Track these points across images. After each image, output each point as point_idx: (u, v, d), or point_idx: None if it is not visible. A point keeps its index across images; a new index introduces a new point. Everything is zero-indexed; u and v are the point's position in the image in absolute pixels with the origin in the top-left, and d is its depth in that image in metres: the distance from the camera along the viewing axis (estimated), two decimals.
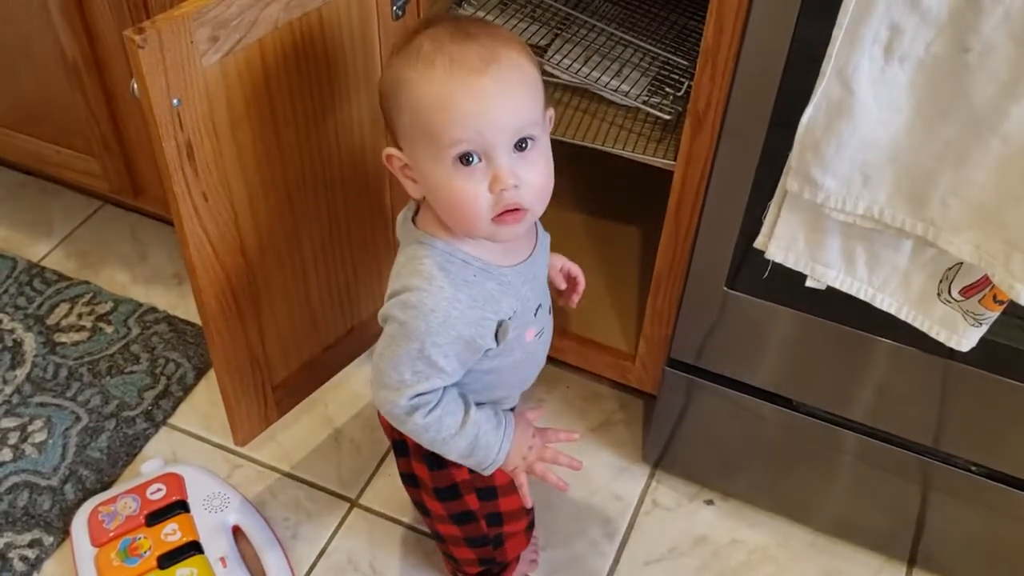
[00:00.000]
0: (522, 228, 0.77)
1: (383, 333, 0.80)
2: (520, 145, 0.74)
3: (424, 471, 0.92)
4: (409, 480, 0.96)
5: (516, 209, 0.75)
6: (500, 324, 0.80)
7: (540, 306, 0.87)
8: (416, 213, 0.83)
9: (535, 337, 0.87)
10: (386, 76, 0.78)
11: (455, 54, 0.71)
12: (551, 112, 0.81)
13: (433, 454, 0.87)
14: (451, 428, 0.81)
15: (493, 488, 0.94)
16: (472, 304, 0.78)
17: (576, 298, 1.00)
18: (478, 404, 0.85)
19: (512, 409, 0.98)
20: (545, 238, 0.90)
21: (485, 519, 0.95)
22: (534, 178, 0.75)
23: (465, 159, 0.73)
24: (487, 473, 0.86)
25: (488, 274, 0.79)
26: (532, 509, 0.99)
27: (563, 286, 1.00)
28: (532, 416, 0.92)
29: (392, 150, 0.79)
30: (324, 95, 0.97)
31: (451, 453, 0.84)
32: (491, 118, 0.71)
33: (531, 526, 1.01)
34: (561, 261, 0.99)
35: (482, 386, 0.86)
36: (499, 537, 0.98)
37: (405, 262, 0.80)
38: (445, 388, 0.81)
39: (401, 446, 0.93)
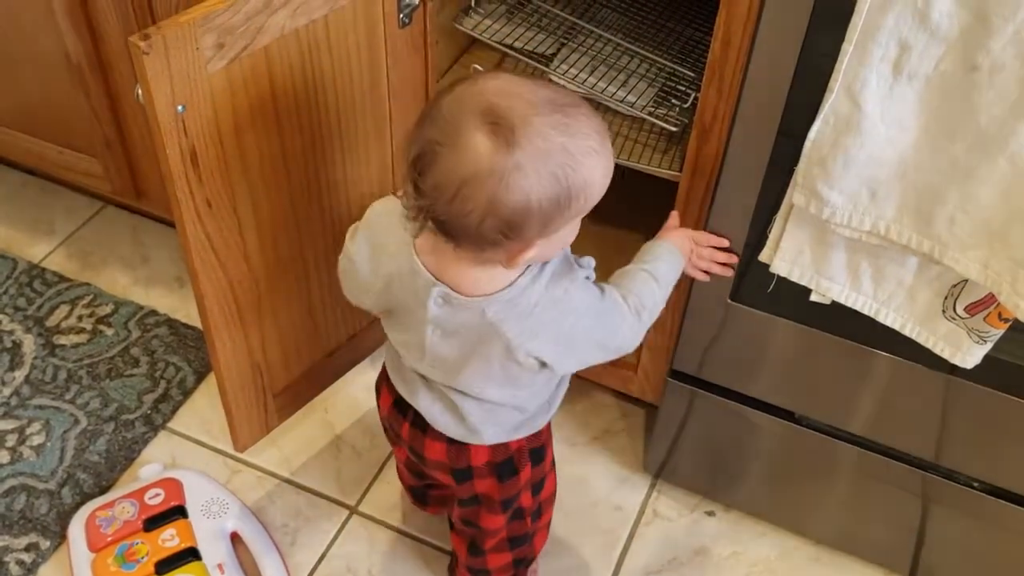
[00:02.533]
0: None
1: (586, 318, 0.82)
2: None
3: (492, 486, 0.92)
4: (470, 502, 0.95)
5: None
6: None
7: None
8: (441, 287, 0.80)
9: None
10: (561, 196, 0.71)
11: (593, 144, 0.72)
12: None
13: (506, 465, 0.91)
14: (655, 295, 0.88)
15: (545, 473, 0.97)
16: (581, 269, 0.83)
17: None
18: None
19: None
20: None
21: (531, 515, 0.98)
22: None
23: None
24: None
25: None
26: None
27: None
28: (673, 221, 0.97)
29: (531, 253, 0.74)
30: (329, 104, 0.97)
31: (663, 302, 0.90)
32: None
33: (549, 519, 1.04)
34: None
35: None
36: (534, 533, 1.00)
37: (544, 284, 0.79)
38: (607, 289, 0.85)
39: (466, 472, 0.92)
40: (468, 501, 0.95)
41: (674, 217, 0.98)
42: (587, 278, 0.83)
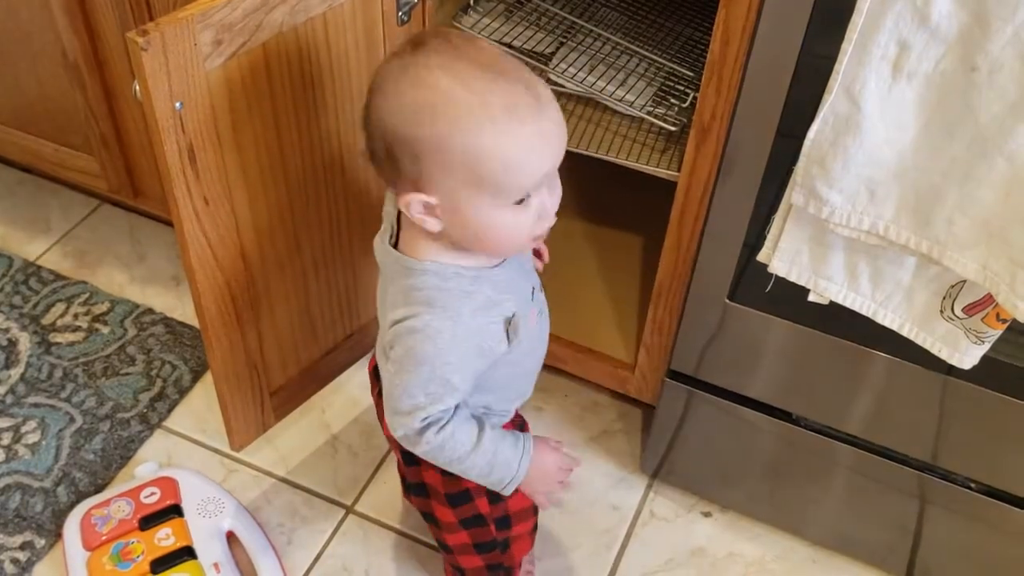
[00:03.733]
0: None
1: (390, 361, 0.79)
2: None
3: (436, 477, 0.91)
4: (418, 490, 0.95)
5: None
6: (509, 322, 0.80)
7: (533, 288, 0.87)
8: (395, 236, 0.81)
9: (537, 318, 0.87)
10: (407, 120, 0.70)
11: (512, 100, 0.68)
12: None
13: None
14: (466, 444, 0.80)
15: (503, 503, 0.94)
16: (474, 314, 0.77)
17: (539, 264, 0.96)
18: (490, 412, 0.87)
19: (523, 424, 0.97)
20: None
21: (495, 523, 0.95)
22: (558, 198, 0.77)
23: (523, 199, 0.73)
24: (508, 492, 0.84)
25: (481, 280, 0.79)
26: (537, 511, 1.00)
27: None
28: (555, 444, 0.89)
29: (415, 196, 0.73)
30: (328, 101, 0.97)
31: (470, 471, 0.83)
32: (554, 162, 0.73)
33: (535, 528, 1.02)
34: None
35: (506, 382, 0.86)
36: (506, 541, 0.98)
37: (399, 292, 0.78)
38: (456, 407, 0.80)
39: (411, 455, 0.92)
40: (418, 489, 0.94)
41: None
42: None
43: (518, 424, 0.95)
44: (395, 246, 0.80)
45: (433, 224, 0.75)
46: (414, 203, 0.74)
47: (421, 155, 0.71)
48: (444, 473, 0.89)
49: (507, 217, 0.73)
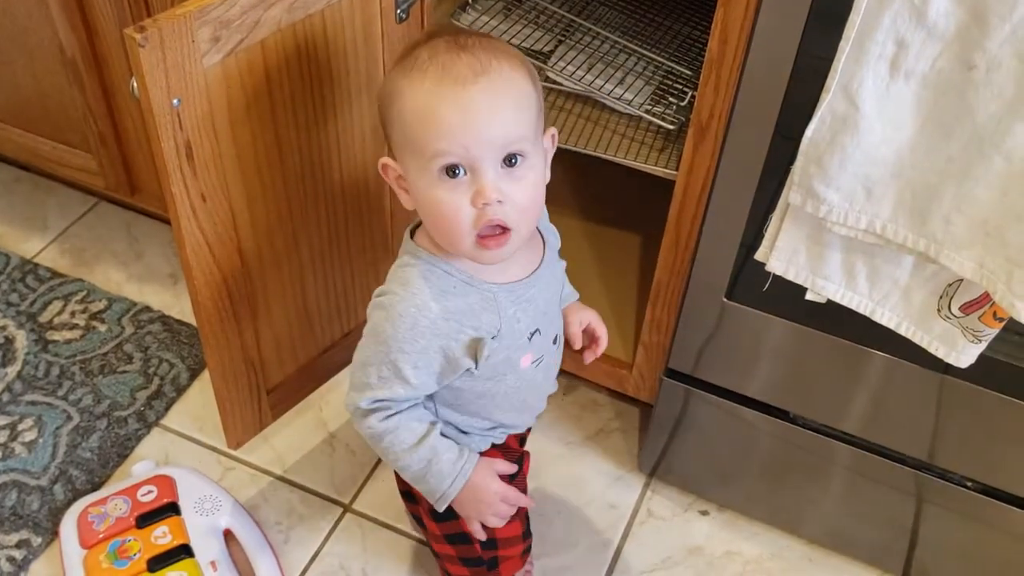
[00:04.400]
0: (507, 251, 0.75)
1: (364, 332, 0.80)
2: (509, 160, 0.72)
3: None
4: (407, 496, 0.95)
5: (500, 232, 0.73)
6: (477, 341, 0.78)
7: (537, 331, 0.83)
8: (416, 227, 0.83)
9: (532, 364, 0.84)
10: (383, 86, 0.77)
11: (447, 64, 0.70)
12: (553, 132, 0.79)
13: None
14: (405, 443, 0.80)
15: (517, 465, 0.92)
16: (446, 315, 0.77)
17: (591, 357, 0.96)
18: (466, 433, 0.86)
19: (524, 438, 0.96)
20: (553, 263, 0.87)
21: (480, 543, 0.94)
22: (520, 195, 0.73)
23: (451, 171, 0.71)
24: (439, 507, 0.83)
25: (471, 287, 0.78)
26: (530, 535, 0.98)
27: (578, 345, 0.95)
28: (503, 468, 0.87)
29: (387, 160, 0.78)
30: (326, 98, 0.96)
31: (404, 470, 0.82)
32: (477, 131, 0.70)
33: (527, 550, 1.00)
34: (588, 316, 0.95)
35: (477, 409, 0.85)
36: (494, 560, 0.97)
37: (394, 268, 0.81)
38: (414, 404, 0.80)
39: None
40: (407, 495, 0.94)
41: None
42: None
43: (516, 457, 0.92)
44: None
45: (407, 200, 0.78)
46: (389, 168, 0.77)
47: (385, 115, 0.75)
48: None
49: (438, 191, 0.72)
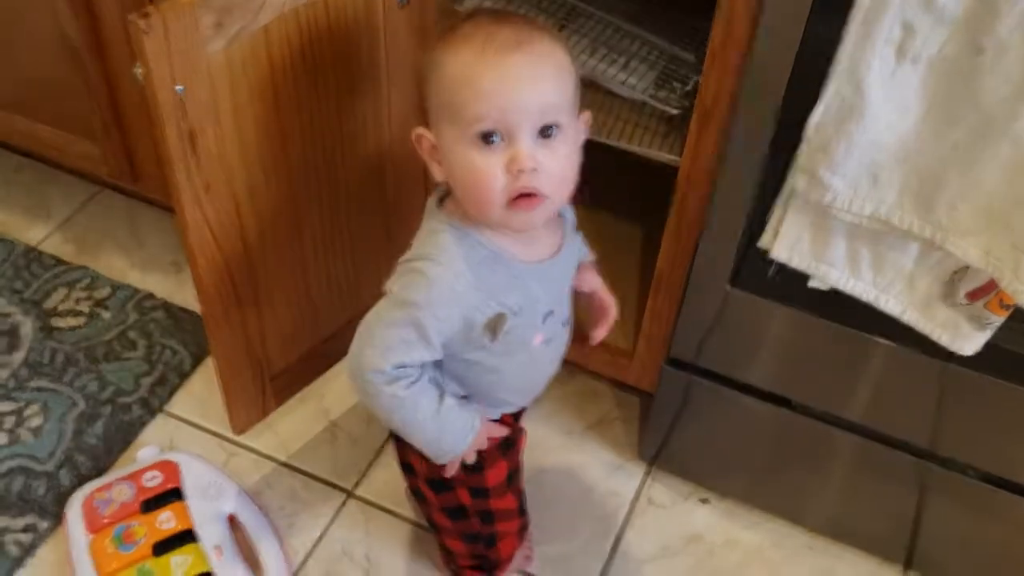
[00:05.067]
0: (538, 216, 0.76)
1: (384, 296, 0.80)
2: (545, 132, 0.73)
3: (419, 460, 0.91)
4: (406, 468, 0.96)
5: (531, 195, 0.73)
6: (499, 316, 0.79)
7: (551, 313, 0.85)
8: (443, 199, 0.82)
9: (542, 343, 0.85)
10: (425, 58, 0.77)
11: (491, 33, 0.72)
12: (587, 115, 0.80)
13: None
14: (427, 409, 0.80)
15: (485, 489, 0.93)
16: (478, 285, 0.77)
17: (601, 333, 0.96)
18: (464, 398, 0.86)
19: (518, 416, 0.97)
20: (574, 245, 0.88)
21: (477, 516, 0.95)
22: (554, 165, 0.74)
23: (487, 137, 0.72)
24: (441, 461, 0.85)
25: (499, 261, 0.79)
26: (526, 512, 0.99)
27: (590, 315, 0.96)
28: (495, 430, 0.89)
29: (422, 130, 0.78)
30: (329, 84, 0.96)
31: (417, 435, 0.82)
32: (516, 97, 0.71)
33: (524, 527, 1.00)
34: (598, 284, 0.96)
35: (485, 384, 0.86)
36: (492, 536, 0.98)
37: (422, 235, 0.80)
38: (423, 366, 0.80)
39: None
40: (405, 467, 0.95)
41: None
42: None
43: (510, 430, 0.92)
44: None
45: (438, 171, 0.78)
46: (424, 139, 0.77)
47: (425, 86, 0.76)
48: (426, 457, 0.89)
49: (474, 157, 0.73)
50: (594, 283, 0.95)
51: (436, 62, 0.74)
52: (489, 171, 0.72)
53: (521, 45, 0.71)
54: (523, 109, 0.71)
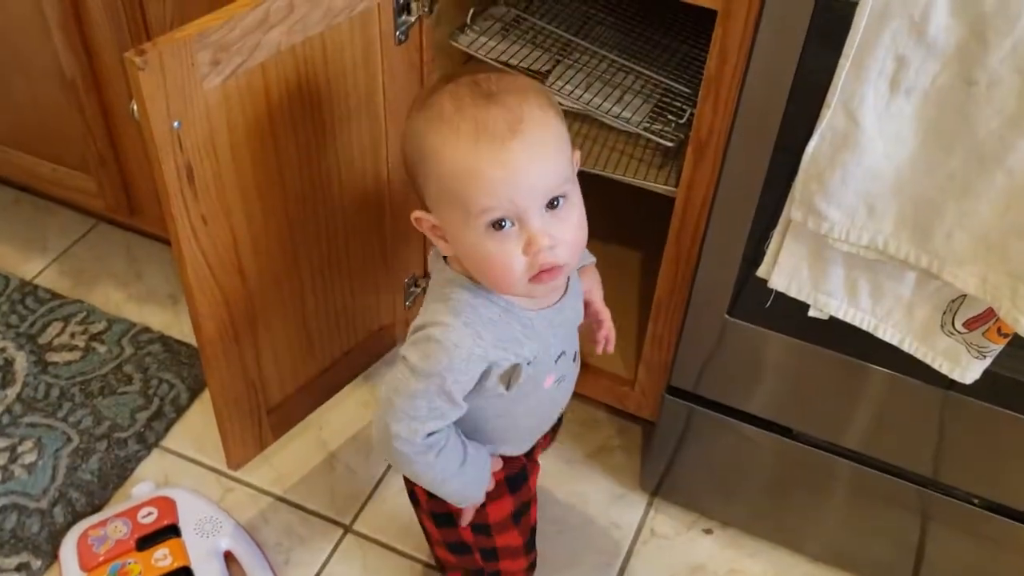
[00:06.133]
0: (560, 281, 0.77)
1: (400, 366, 0.79)
2: (552, 203, 0.73)
3: (422, 493, 0.91)
4: (412, 499, 0.95)
5: (552, 267, 0.74)
6: (515, 368, 0.79)
7: (563, 353, 0.85)
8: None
9: (554, 383, 0.86)
10: (410, 139, 0.76)
11: (480, 119, 0.70)
12: (577, 154, 0.79)
13: None
14: (454, 466, 0.82)
15: (487, 525, 0.92)
16: (496, 343, 0.77)
17: (598, 347, 0.95)
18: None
19: (532, 451, 0.95)
20: (577, 283, 0.87)
21: (480, 552, 0.94)
22: (568, 234, 0.74)
23: (498, 224, 0.72)
24: (462, 506, 0.86)
25: (512, 315, 0.78)
26: (534, 549, 0.98)
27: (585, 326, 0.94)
28: (497, 465, 0.90)
29: (421, 213, 0.77)
30: (325, 119, 0.97)
31: (444, 488, 0.83)
32: (521, 184, 0.70)
33: (532, 567, 0.99)
34: (593, 288, 0.94)
35: (496, 428, 0.86)
36: (496, 574, 0.96)
37: (433, 299, 0.80)
38: (449, 428, 0.80)
39: None
40: (411, 496, 0.95)
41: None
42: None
43: (518, 467, 0.92)
44: None
45: (445, 247, 0.77)
46: (423, 221, 0.77)
47: (417, 170, 0.75)
48: (429, 493, 0.88)
49: (488, 244, 0.72)
50: (589, 286, 0.93)
51: (427, 150, 0.73)
52: (508, 256, 0.72)
53: (515, 130, 0.69)
54: (530, 194, 0.71)
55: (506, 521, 0.92)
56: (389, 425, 0.78)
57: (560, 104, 1.10)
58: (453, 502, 0.86)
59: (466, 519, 0.90)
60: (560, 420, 1.04)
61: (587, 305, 0.92)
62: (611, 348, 0.96)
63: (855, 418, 1.01)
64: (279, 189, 0.96)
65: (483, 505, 0.89)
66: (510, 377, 0.79)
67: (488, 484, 0.87)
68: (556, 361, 0.84)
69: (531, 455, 0.95)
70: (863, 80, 0.71)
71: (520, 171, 0.70)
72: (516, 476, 0.91)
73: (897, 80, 0.71)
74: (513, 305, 0.78)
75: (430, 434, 0.78)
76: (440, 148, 0.72)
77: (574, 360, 0.89)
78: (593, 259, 0.95)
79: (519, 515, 0.93)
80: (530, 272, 0.73)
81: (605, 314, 0.95)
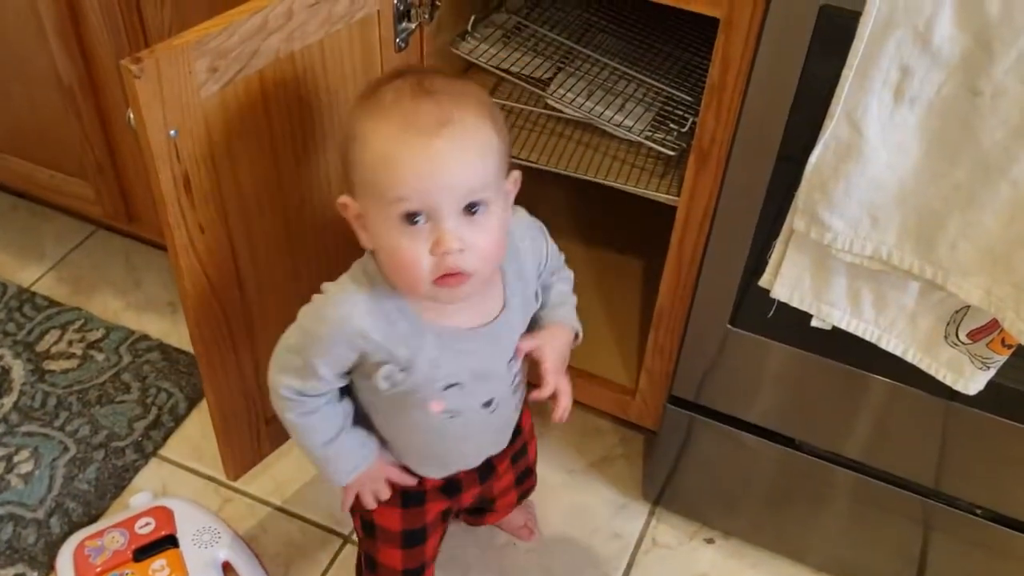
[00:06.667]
0: (465, 290, 0.74)
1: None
2: (471, 208, 0.71)
3: None
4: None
5: (457, 274, 0.72)
6: (380, 365, 0.77)
7: (458, 386, 0.81)
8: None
9: (443, 414, 0.82)
10: (348, 123, 0.76)
11: (410, 111, 0.70)
12: (517, 174, 0.78)
13: None
14: (316, 440, 0.84)
15: (372, 524, 0.93)
16: (363, 335, 0.76)
17: (558, 413, 0.86)
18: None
19: (459, 492, 0.94)
20: (517, 316, 0.82)
21: (363, 556, 0.96)
22: (482, 242, 0.72)
23: (411, 218, 0.71)
24: (330, 485, 0.89)
25: (404, 317, 0.77)
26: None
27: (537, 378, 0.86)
28: (396, 477, 0.89)
29: (346, 198, 0.77)
30: (325, 127, 0.96)
31: (308, 455, 0.86)
32: (438, 180, 0.69)
33: None
34: (540, 345, 0.85)
35: (389, 437, 0.88)
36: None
37: (346, 274, 0.81)
38: (328, 400, 0.82)
39: None
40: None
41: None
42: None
43: (422, 489, 0.92)
44: None
45: (365, 239, 0.77)
46: (349, 208, 0.77)
47: (346, 156, 0.75)
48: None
49: (398, 238, 0.72)
50: (542, 342, 0.85)
51: (357, 134, 0.73)
52: (414, 253, 0.71)
53: (443, 128, 0.69)
54: (446, 192, 0.70)
55: (392, 535, 0.93)
56: (270, 371, 0.83)
57: (561, 112, 1.10)
58: (323, 475, 0.88)
59: (344, 503, 0.91)
60: (527, 487, 1.05)
61: (535, 365, 0.86)
62: (558, 418, 0.87)
63: (857, 428, 1.00)
64: (278, 196, 0.96)
65: (366, 530, 0.93)
66: (380, 373, 0.78)
67: (351, 480, 0.87)
68: (445, 389, 0.80)
69: (457, 494, 0.94)
70: (867, 90, 0.71)
71: (438, 166, 0.69)
72: (411, 496, 0.92)
73: (901, 90, 0.70)
74: (406, 306, 0.77)
75: (298, 393, 0.81)
76: (367, 134, 0.72)
77: (487, 406, 0.84)
78: (570, 324, 0.88)
79: (409, 541, 0.93)
80: (435, 273, 0.72)
81: (561, 385, 0.86)
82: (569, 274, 0.92)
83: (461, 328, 0.80)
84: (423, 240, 0.71)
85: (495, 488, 0.99)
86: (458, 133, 0.69)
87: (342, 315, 0.77)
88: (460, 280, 0.73)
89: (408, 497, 0.92)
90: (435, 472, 0.92)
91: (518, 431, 0.96)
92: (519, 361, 0.85)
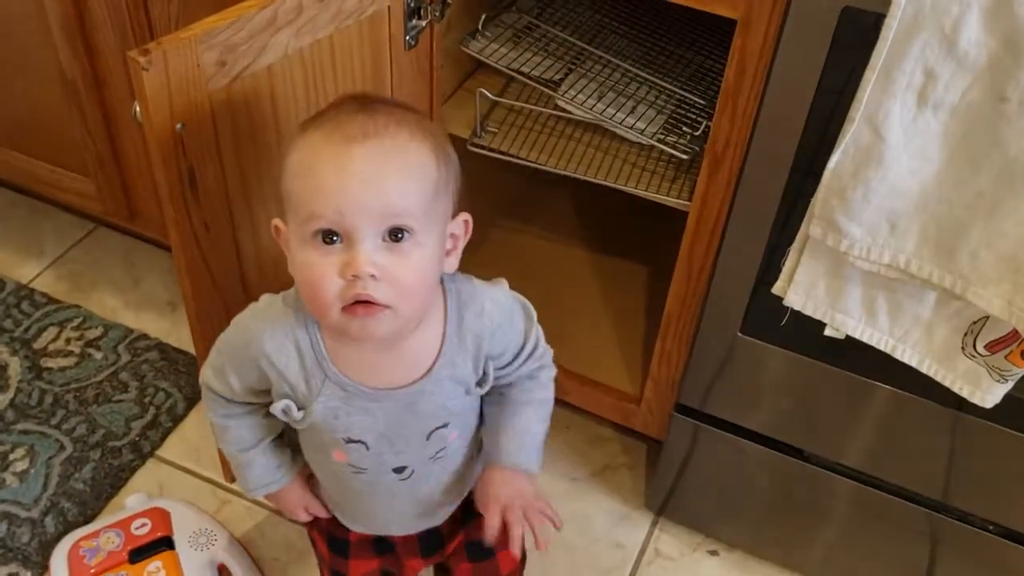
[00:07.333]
0: (377, 328, 0.67)
1: None
2: (395, 235, 0.65)
3: None
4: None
5: (368, 303, 0.65)
6: (280, 395, 0.74)
7: (361, 444, 0.76)
8: None
9: (348, 467, 0.78)
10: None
11: (343, 122, 0.65)
12: (465, 217, 0.72)
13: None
14: (232, 445, 0.83)
15: (312, 537, 0.93)
16: (267, 362, 0.73)
17: (514, 551, 0.78)
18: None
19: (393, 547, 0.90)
20: (446, 391, 0.75)
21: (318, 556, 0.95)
22: (402, 274, 0.65)
23: (327, 237, 0.65)
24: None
25: (314, 351, 0.73)
26: None
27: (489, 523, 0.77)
28: (314, 507, 0.89)
29: (278, 221, 0.72)
30: None
31: (227, 456, 0.86)
32: (352, 196, 0.63)
33: None
34: (487, 479, 0.79)
35: (327, 489, 0.87)
36: None
37: (276, 295, 0.79)
38: (250, 412, 0.81)
39: None
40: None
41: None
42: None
43: (346, 537, 0.90)
44: None
45: (289, 263, 0.72)
46: (281, 232, 0.73)
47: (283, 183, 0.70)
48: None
49: (309, 255, 0.66)
50: (487, 479, 0.79)
51: (289, 147, 0.68)
52: (321, 272, 0.65)
53: (367, 138, 0.64)
54: (361, 211, 0.63)
55: (324, 563, 0.94)
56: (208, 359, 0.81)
57: (572, 114, 1.09)
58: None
59: (282, 508, 0.91)
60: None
61: (475, 494, 0.81)
62: (514, 552, 0.79)
63: (867, 439, 0.98)
64: None
65: (313, 519, 0.91)
66: (280, 406, 0.75)
67: (260, 496, 0.87)
68: (346, 443, 0.76)
69: (392, 556, 0.91)
70: (890, 93, 0.69)
71: (353, 181, 0.63)
72: (336, 541, 0.91)
73: (925, 94, 0.69)
74: (326, 353, 0.72)
75: (218, 395, 0.80)
76: (296, 143, 0.68)
77: (399, 472, 0.78)
78: (523, 466, 0.79)
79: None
80: (343, 300, 0.65)
81: (511, 525, 0.77)
82: (548, 396, 0.82)
83: (366, 385, 0.73)
84: (333, 261, 0.65)
85: (454, 569, 0.91)
86: (383, 146, 0.64)
87: (253, 331, 0.74)
88: (370, 311, 0.65)
89: (333, 540, 0.90)
90: (355, 525, 0.88)
91: (472, 513, 0.85)
92: (448, 441, 0.78)
